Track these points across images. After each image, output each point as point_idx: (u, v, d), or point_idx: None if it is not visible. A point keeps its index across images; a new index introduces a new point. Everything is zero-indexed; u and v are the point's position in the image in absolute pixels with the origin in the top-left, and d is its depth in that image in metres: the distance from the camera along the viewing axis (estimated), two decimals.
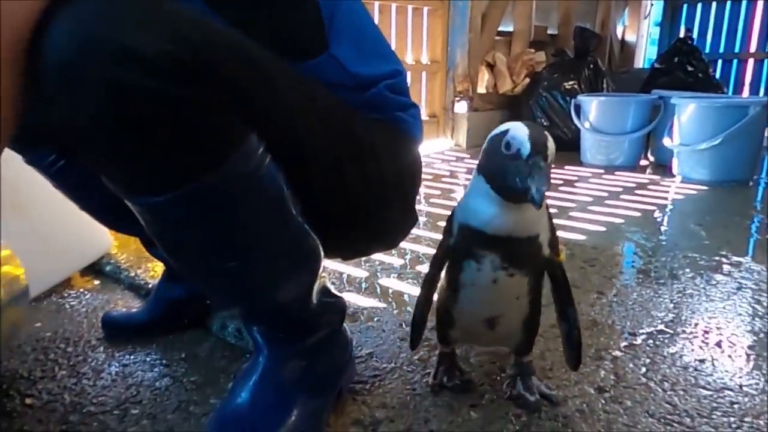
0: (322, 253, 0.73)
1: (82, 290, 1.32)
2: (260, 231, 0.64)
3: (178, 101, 0.51)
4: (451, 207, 0.81)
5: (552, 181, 0.67)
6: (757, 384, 0.94)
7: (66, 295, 1.29)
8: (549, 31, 4.14)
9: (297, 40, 0.72)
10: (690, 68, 3.52)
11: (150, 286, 1.30)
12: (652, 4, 5.31)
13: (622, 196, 2.34)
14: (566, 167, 2.94)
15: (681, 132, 2.65)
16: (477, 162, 0.75)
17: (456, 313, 0.84)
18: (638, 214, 2.07)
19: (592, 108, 2.98)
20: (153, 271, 1.38)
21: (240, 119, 0.58)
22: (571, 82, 3.36)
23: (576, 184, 2.58)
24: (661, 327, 1.15)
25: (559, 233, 0.91)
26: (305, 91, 0.69)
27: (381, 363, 0.99)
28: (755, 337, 1.11)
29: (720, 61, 5.19)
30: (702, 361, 1.02)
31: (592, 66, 3.43)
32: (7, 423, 0.83)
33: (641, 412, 0.86)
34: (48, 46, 0.49)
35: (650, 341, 1.09)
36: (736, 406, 0.88)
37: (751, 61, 5.11)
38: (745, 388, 0.93)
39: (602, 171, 2.88)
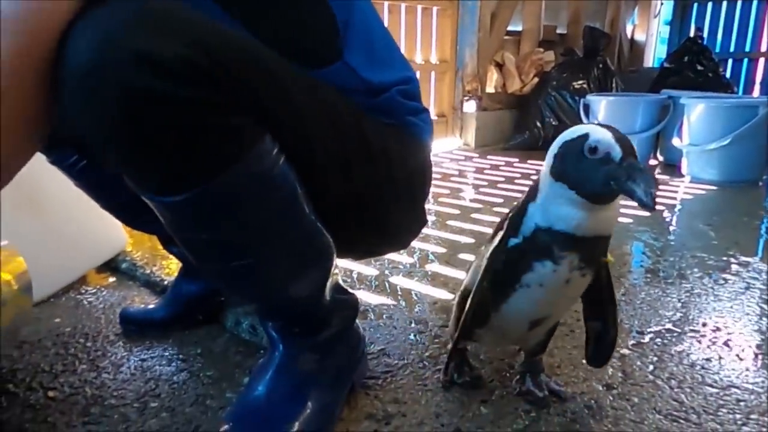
0: (335, 251, 0.75)
1: (99, 287, 1.35)
2: (275, 228, 0.66)
3: (194, 103, 0.53)
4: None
5: None
6: (763, 382, 0.96)
7: (83, 291, 1.32)
8: (558, 31, 4.13)
9: (312, 49, 0.73)
10: (700, 68, 3.51)
11: (165, 283, 1.32)
12: (662, 3, 5.28)
13: None
14: None
15: (690, 132, 2.65)
16: (548, 168, 0.72)
17: (498, 312, 0.81)
18: (647, 213, 2.07)
19: (601, 107, 2.98)
20: (168, 268, 1.40)
21: (254, 120, 0.60)
22: (580, 82, 3.35)
23: None
24: (668, 326, 1.16)
25: None
26: (317, 95, 0.70)
27: (392, 359, 1.01)
28: (762, 337, 1.12)
29: (730, 61, 5.17)
30: (709, 359, 1.03)
31: (601, 65, 3.43)
32: (32, 414, 0.86)
33: (648, 409, 0.88)
34: (68, 52, 0.51)
35: (658, 340, 1.10)
36: (742, 403, 0.90)
37: (761, 61, 5.09)
38: (751, 386, 0.94)
39: None
